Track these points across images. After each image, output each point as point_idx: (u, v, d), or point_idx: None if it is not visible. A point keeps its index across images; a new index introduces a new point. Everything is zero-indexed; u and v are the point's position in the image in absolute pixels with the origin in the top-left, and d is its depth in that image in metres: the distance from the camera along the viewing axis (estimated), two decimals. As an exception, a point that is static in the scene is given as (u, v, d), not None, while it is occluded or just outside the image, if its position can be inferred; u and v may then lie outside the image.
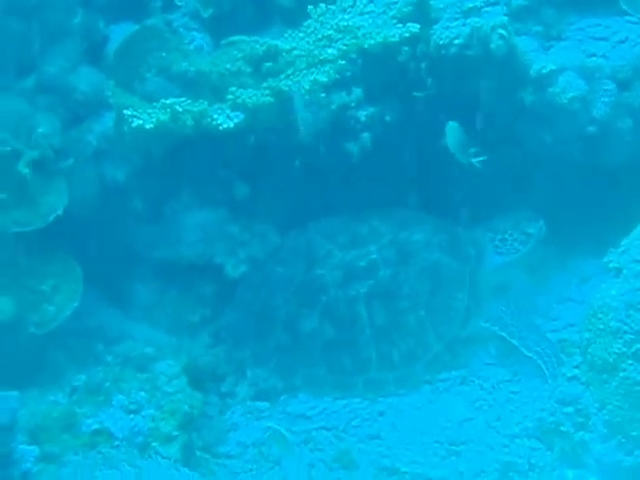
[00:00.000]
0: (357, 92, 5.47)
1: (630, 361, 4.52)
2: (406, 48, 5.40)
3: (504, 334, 5.32)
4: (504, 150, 5.61)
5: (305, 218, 5.80)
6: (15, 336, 4.86)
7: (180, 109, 4.86)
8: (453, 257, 5.50)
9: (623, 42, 5.30)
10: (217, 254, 5.65)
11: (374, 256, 5.46)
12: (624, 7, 5.37)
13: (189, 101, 4.91)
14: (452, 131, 5.06)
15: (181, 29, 5.75)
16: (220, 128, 4.90)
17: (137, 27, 5.59)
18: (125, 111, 4.86)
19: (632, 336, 4.52)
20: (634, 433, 4.49)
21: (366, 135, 5.47)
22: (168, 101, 4.90)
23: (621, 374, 4.55)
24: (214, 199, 5.64)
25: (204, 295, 5.75)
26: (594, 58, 5.27)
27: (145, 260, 5.73)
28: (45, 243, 5.06)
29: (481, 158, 5.04)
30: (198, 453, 4.85)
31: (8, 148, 4.84)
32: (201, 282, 5.75)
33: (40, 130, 4.96)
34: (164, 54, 5.43)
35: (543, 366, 5.14)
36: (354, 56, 5.42)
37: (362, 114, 5.47)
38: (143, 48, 5.50)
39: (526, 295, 5.68)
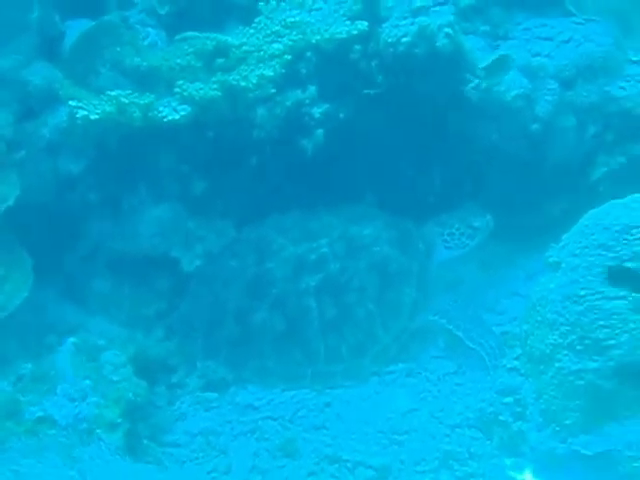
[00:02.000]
0: (311, 89, 5.54)
1: (565, 351, 4.62)
2: (357, 46, 5.49)
3: (450, 327, 5.41)
4: (455, 147, 5.69)
5: (260, 213, 5.87)
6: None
7: (126, 101, 4.94)
8: (402, 252, 5.58)
9: (567, 42, 5.41)
10: (173, 248, 5.71)
11: (324, 250, 5.54)
12: (570, 8, 5.48)
13: (135, 93, 4.99)
14: None
15: (137, 25, 5.82)
16: (165, 120, 4.97)
17: (93, 23, 5.65)
18: (70, 102, 4.93)
19: (567, 327, 4.63)
20: (567, 422, 4.60)
21: (320, 131, 5.53)
22: (113, 93, 4.98)
23: (556, 364, 4.66)
24: (171, 193, 5.69)
25: (160, 289, 5.82)
26: (539, 57, 5.37)
27: (101, 253, 5.78)
28: (-4, 233, 5.11)
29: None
30: (144, 441, 4.91)
31: (-41, 139, 4.89)
32: (157, 276, 5.81)
33: (-9, 122, 5.01)
34: (118, 49, 5.49)
35: (486, 358, 5.22)
36: (309, 54, 5.51)
37: (316, 111, 5.53)
38: (99, 43, 5.57)
39: (474, 289, 5.77)
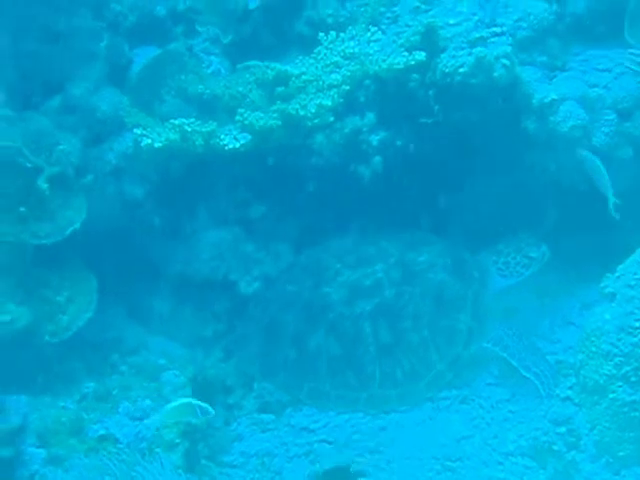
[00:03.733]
0: (370, 117, 5.62)
1: (619, 383, 4.65)
2: (415, 75, 5.56)
3: (505, 355, 5.44)
4: (511, 177, 5.74)
5: (317, 238, 5.97)
6: (31, 344, 5.06)
7: (189, 129, 5.09)
8: (457, 279, 5.63)
9: (625, 74, 5.42)
10: (232, 271, 5.83)
11: (380, 275, 5.61)
12: (628, 39, 5.50)
13: (198, 122, 5.14)
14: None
15: (201, 54, 5.97)
16: (226, 148, 5.11)
17: (159, 51, 5.82)
18: (136, 130, 5.09)
19: (622, 358, 4.65)
20: (621, 453, 4.62)
21: (377, 159, 5.61)
22: (177, 121, 5.13)
23: (610, 395, 4.68)
24: (230, 217, 5.82)
25: (218, 311, 5.94)
26: (596, 89, 5.40)
27: (162, 275, 5.93)
28: (63, 256, 5.27)
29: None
30: (202, 461, 5.01)
31: (29, 164, 5.06)
32: (216, 298, 5.93)
33: (61, 147, 5.19)
34: (183, 77, 5.64)
35: (540, 387, 5.25)
36: (367, 82, 5.60)
37: (374, 138, 5.61)
38: (164, 71, 5.74)
39: (529, 318, 5.79)
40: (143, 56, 5.86)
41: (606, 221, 5.67)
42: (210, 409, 4.86)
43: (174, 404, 4.74)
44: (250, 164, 5.64)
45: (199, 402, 4.81)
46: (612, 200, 5.07)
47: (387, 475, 5.03)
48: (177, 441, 4.80)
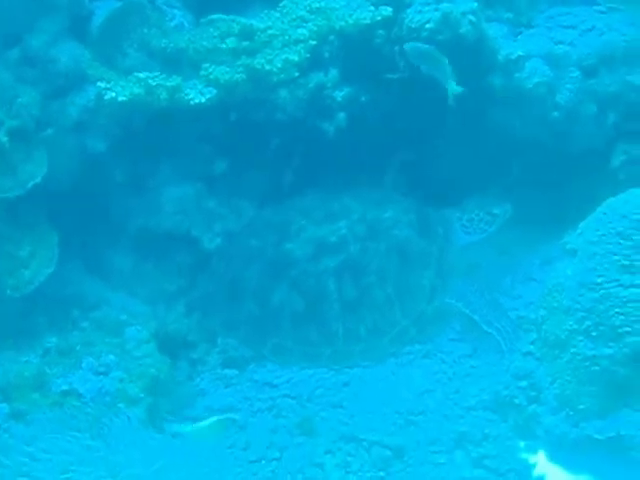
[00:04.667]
0: (334, 73, 5.59)
1: (580, 337, 4.71)
2: (381, 31, 5.53)
3: (467, 311, 5.49)
4: (476, 133, 5.75)
5: (281, 195, 5.95)
6: (-8, 299, 5.01)
7: (153, 83, 5.02)
8: (421, 235, 5.66)
9: (590, 30, 5.45)
10: (194, 226, 5.79)
11: (344, 232, 5.61)
12: (594, -5, 5.52)
13: (163, 75, 5.07)
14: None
15: (164, 6, 5.87)
16: (192, 102, 5.05)
17: (121, 3, 5.71)
18: (99, 83, 5.01)
19: (583, 314, 4.71)
20: (581, 406, 4.69)
21: (341, 115, 5.59)
22: (142, 75, 5.06)
23: (572, 350, 4.74)
24: (193, 173, 5.77)
25: (180, 266, 5.90)
26: (561, 45, 5.41)
27: (124, 231, 5.88)
28: (24, 211, 5.20)
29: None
30: (165, 416, 5.01)
31: (-12, 117, 4.98)
32: (178, 254, 5.90)
33: (20, 100, 5.09)
34: (145, 30, 5.56)
35: (501, 342, 5.30)
36: (332, 38, 5.56)
37: (338, 94, 5.59)
38: (126, 24, 5.63)
39: (491, 274, 5.84)
40: (104, 8, 5.73)
41: (568, 178, 5.74)
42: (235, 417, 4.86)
43: (204, 424, 4.70)
44: (214, 119, 5.59)
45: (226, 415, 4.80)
46: (453, 89, 4.99)
47: (350, 429, 5.04)
48: (141, 395, 4.78)
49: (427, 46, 5.14)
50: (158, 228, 5.80)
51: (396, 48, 5.54)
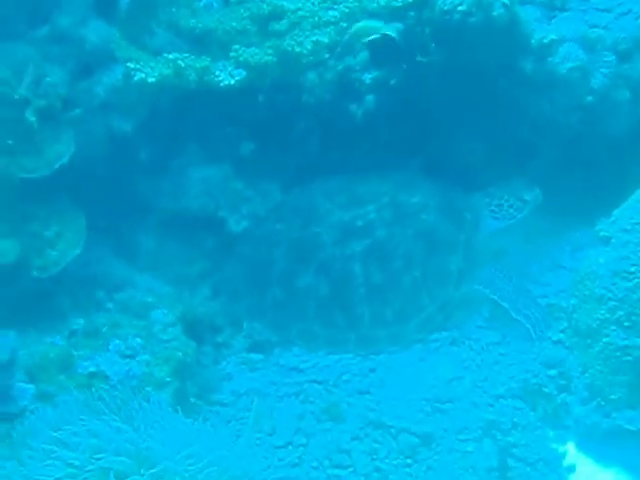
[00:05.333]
0: (363, 55, 5.53)
1: (613, 327, 4.65)
2: (412, 13, 5.47)
3: (495, 297, 5.42)
4: (506, 118, 5.67)
5: (308, 177, 5.89)
6: (18, 279, 4.98)
7: (183, 64, 4.98)
8: (449, 220, 5.59)
9: (626, 14, 5.36)
10: (220, 209, 5.75)
11: (372, 216, 5.56)
12: (630, -22, 5.41)
13: (192, 57, 5.03)
14: None
15: (192, -14, 5.81)
16: (221, 84, 5.00)
17: (149, -18, 5.66)
18: (128, 64, 4.97)
19: (616, 303, 4.65)
20: (613, 396, 4.63)
21: (370, 97, 5.53)
22: (171, 56, 5.01)
23: (604, 339, 4.68)
24: (220, 155, 5.73)
25: (206, 248, 5.87)
26: (596, 29, 5.32)
27: (149, 211, 5.84)
28: (51, 190, 5.17)
29: None
30: (192, 400, 4.99)
31: (16, 96, 4.93)
32: (203, 236, 5.86)
33: (48, 79, 5.05)
34: (174, 10, 5.50)
35: (531, 329, 5.25)
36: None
37: (367, 77, 5.53)
38: (154, 3, 5.58)
39: (520, 261, 5.77)
40: (132, -13, 5.69)
41: (600, 164, 5.66)
42: None
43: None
44: (241, 101, 5.53)
45: None
46: None
47: (377, 416, 5.00)
48: (167, 379, 4.76)
49: None
50: (184, 210, 5.75)
51: (427, 30, 5.45)
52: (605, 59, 5.29)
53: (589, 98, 5.30)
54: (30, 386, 4.53)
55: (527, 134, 5.67)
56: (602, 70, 5.29)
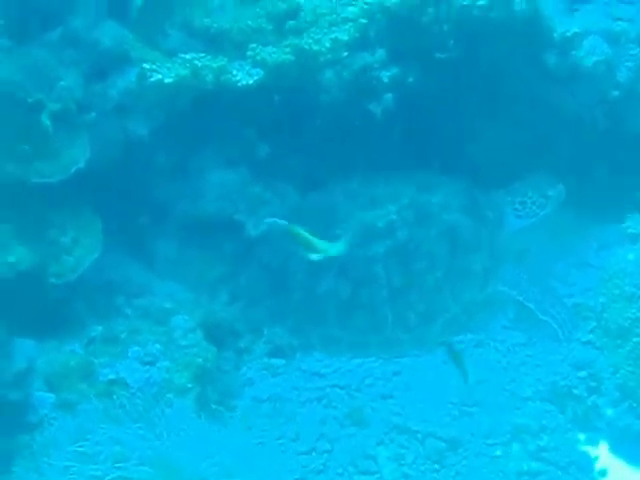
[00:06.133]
0: (380, 53, 5.44)
1: (645, 326, 4.53)
2: (430, 9, 5.37)
3: (521, 298, 5.32)
4: (527, 114, 5.57)
5: (326, 178, 5.80)
6: (35, 286, 4.90)
7: (200, 64, 4.88)
8: (472, 220, 5.49)
9: (651, 6, 5.25)
10: (238, 212, 5.67)
11: (393, 216, 5.46)
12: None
13: (209, 57, 4.94)
14: None
15: (206, -15, 5.73)
16: (239, 84, 4.91)
17: (162, -18, 5.59)
18: (144, 65, 4.88)
19: (647, 301, 4.53)
20: (645, 398, 4.51)
21: (389, 96, 5.43)
22: (188, 56, 4.92)
23: (635, 339, 4.58)
24: (237, 157, 5.65)
25: (225, 252, 5.78)
26: (620, 22, 5.21)
27: (167, 216, 5.76)
28: (66, 195, 5.09)
29: None
30: (213, 406, 4.90)
31: (31, 100, 4.86)
32: (222, 240, 5.78)
33: (63, 83, 4.97)
34: (188, 10, 5.42)
35: (558, 330, 5.15)
36: (378, 16, 5.40)
37: (385, 75, 5.43)
38: (167, 4, 5.50)
39: (544, 259, 5.67)
40: (144, -13, 5.61)
41: (624, 161, 5.55)
42: None
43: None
44: (257, 102, 5.44)
45: None
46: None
47: (402, 420, 4.90)
48: (189, 386, 4.67)
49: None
50: (202, 214, 5.66)
51: (445, 27, 5.35)
52: (630, 52, 5.18)
53: (615, 92, 5.19)
54: (50, 395, 4.45)
55: (550, 129, 5.55)
56: (627, 64, 5.18)
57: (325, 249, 4.86)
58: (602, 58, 5.12)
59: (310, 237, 4.81)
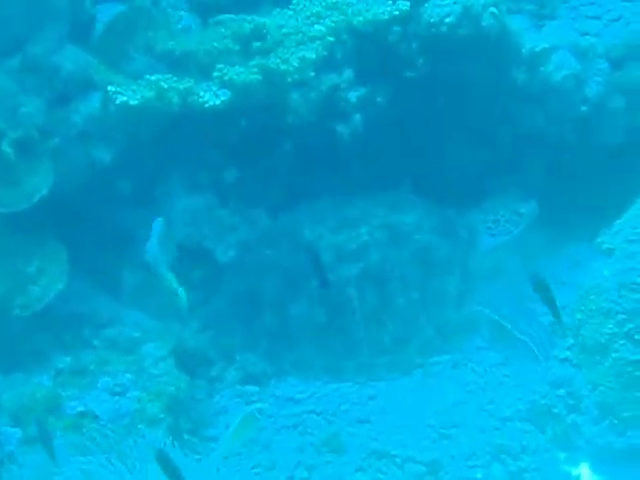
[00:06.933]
0: (348, 73, 5.39)
1: (622, 341, 4.49)
2: (397, 28, 5.34)
3: (496, 317, 5.25)
4: (497, 130, 5.53)
5: (295, 201, 5.72)
6: (0, 318, 4.77)
7: (165, 86, 4.81)
8: (445, 240, 5.44)
9: (616, 20, 5.26)
10: (206, 238, 5.57)
11: (365, 238, 5.38)
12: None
13: (175, 78, 4.86)
14: None
15: (169, 9, 5.66)
16: (206, 105, 4.83)
17: (124, 6, 5.51)
18: (109, 87, 4.79)
19: (624, 316, 4.49)
20: (626, 414, 4.46)
21: (357, 117, 5.38)
22: (153, 77, 4.85)
23: (613, 354, 4.51)
24: (204, 182, 5.55)
25: (193, 280, 5.66)
26: (587, 37, 5.21)
27: (133, 244, 5.64)
28: (30, 224, 4.97)
29: None
30: (185, 436, 4.77)
31: (-10, 128, 4.76)
32: (191, 266, 5.66)
33: (24, 109, 4.87)
34: (151, 33, 5.34)
35: (535, 349, 5.07)
36: (345, 36, 5.35)
37: (353, 95, 5.38)
38: (130, 28, 5.44)
39: (518, 278, 5.59)
40: (106, 13, 5.54)
41: (595, 176, 5.52)
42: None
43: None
44: (224, 124, 5.35)
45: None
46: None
47: (380, 445, 4.79)
48: (160, 416, 4.54)
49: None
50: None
51: (413, 45, 5.31)
52: (598, 67, 5.17)
53: (583, 107, 5.17)
54: (16, 430, 4.30)
55: (520, 146, 5.51)
56: (596, 78, 5.16)
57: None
58: (571, 72, 5.11)
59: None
